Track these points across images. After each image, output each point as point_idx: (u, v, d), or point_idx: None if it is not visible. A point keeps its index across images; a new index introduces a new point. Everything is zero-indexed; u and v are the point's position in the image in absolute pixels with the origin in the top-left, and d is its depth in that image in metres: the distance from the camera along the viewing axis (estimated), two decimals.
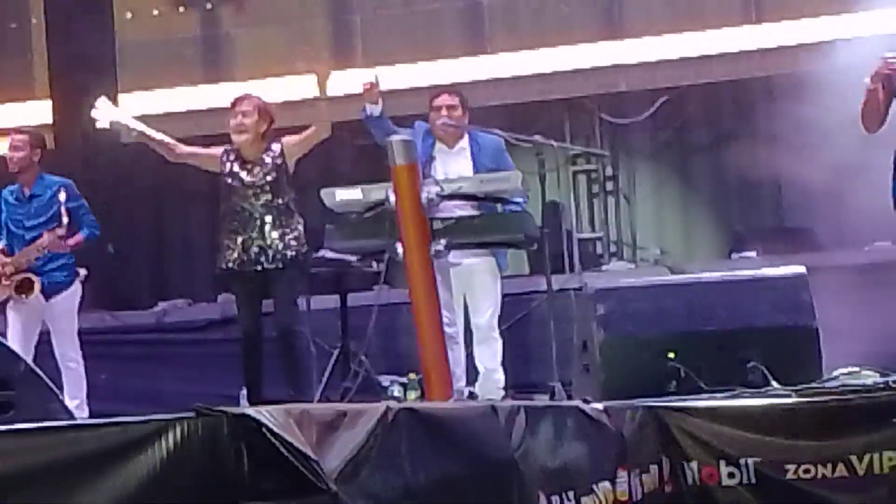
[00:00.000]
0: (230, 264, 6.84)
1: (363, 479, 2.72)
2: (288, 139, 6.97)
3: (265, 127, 6.97)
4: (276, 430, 2.41)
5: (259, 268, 6.78)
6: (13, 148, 7.64)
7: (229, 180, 6.94)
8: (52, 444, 2.48)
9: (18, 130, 7.97)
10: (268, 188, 6.89)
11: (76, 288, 7.64)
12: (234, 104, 7.04)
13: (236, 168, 6.93)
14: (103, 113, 7.12)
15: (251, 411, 2.41)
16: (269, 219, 6.84)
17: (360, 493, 2.69)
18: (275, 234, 6.83)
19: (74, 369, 7.49)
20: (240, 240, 6.83)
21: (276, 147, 6.96)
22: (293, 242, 6.86)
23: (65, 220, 7.37)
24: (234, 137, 6.97)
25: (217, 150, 7.06)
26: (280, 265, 6.79)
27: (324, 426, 2.60)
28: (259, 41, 10.22)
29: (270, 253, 6.80)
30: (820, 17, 9.48)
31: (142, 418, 2.47)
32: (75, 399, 7.29)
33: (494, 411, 3.73)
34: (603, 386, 5.82)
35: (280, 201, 6.87)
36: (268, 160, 6.93)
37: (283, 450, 2.43)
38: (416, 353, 6.26)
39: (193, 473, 2.40)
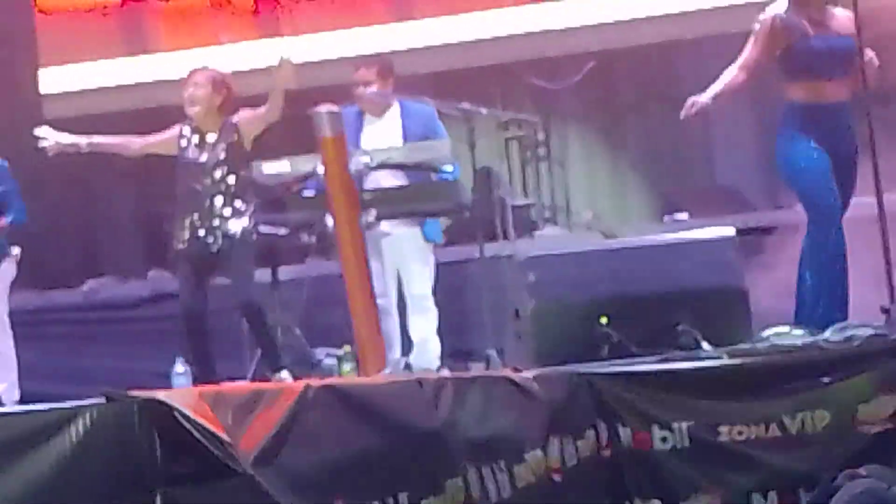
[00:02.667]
0: (184, 245, 6.72)
1: (281, 459, 2.68)
2: (243, 114, 6.84)
3: (220, 100, 6.82)
4: (188, 413, 2.35)
5: (214, 248, 6.68)
6: None
7: (184, 159, 6.79)
8: None
9: None
10: (221, 165, 6.76)
11: (5, 268, 7.52)
12: (188, 77, 6.87)
13: (192, 146, 6.79)
14: (50, 142, 7.00)
15: (162, 395, 2.36)
16: (220, 198, 6.72)
17: (278, 473, 2.65)
18: (227, 213, 6.73)
19: (4, 353, 7.38)
20: (192, 220, 6.71)
21: (232, 122, 6.83)
22: (246, 220, 6.76)
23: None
24: (187, 109, 6.83)
25: (174, 130, 6.89)
26: (233, 244, 6.69)
27: (239, 408, 2.55)
28: (183, 12, 10.08)
29: (220, 232, 6.70)
30: None
31: (50, 406, 2.41)
32: (4, 382, 7.18)
33: (420, 384, 3.70)
34: (535, 353, 5.80)
35: (232, 179, 6.75)
36: (222, 138, 6.80)
37: (195, 433, 2.38)
38: (350, 324, 6.23)
39: (106, 459, 2.36)
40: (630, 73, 10.04)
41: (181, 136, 6.85)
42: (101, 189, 10.48)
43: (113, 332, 8.84)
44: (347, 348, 7.24)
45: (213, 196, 6.73)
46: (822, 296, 6.17)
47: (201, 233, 6.70)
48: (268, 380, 6.77)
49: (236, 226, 6.73)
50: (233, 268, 6.75)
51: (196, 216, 6.72)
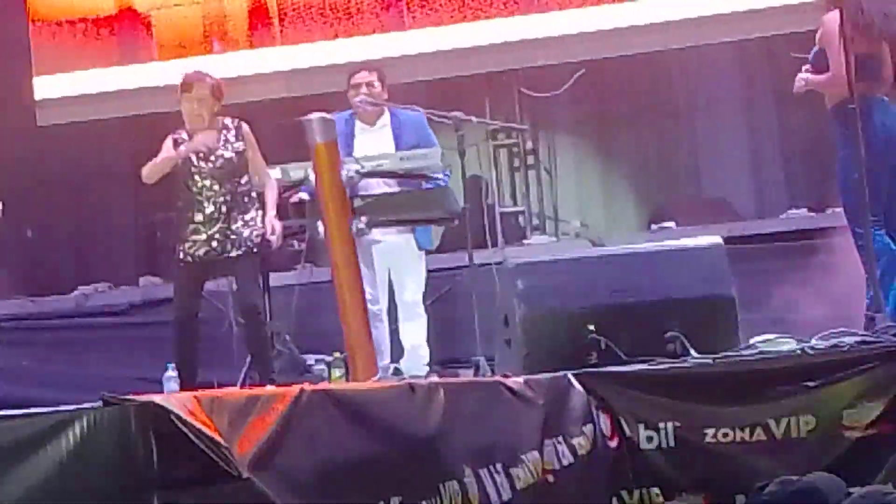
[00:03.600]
0: (193, 249, 6.73)
1: (277, 464, 2.72)
2: (249, 130, 6.85)
3: (218, 106, 6.83)
4: (184, 417, 2.40)
5: (225, 255, 6.69)
6: None
7: (186, 169, 6.76)
8: None
9: None
10: (229, 171, 6.76)
11: None
12: (186, 87, 6.81)
13: (192, 156, 6.76)
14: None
15: (159, 399, 2.40)
16: (230, 205, 6.73)
17: (275, 478, 2.69)
18: (243, 218, 6.75)
19: None
20: (205, 225, 6.72)
21: (232, 128, 6.81)
22: (255, 227, 6.78)
23: None
24: (191, 125, 6.79)
25: (168, 144, 6.82)
26: (244, 251, 6.72)
27: (235, 412, 2.59)
28: (176, 21, 10.12)
29: (234, 240, 6.72)
30: None
31: (48, 409, 2.45)
32: None
33: (412, 390, 3.75)
34: (524, 360, 5.84)
35: (240, 186, 6.77)
36: (226, 143, 6.80)
37: (192, 437, 2.43)
38: (341, 331, 6.27)
39: (103, 463, 2.39)
40: (619, 82, 10.08)
41: (177, 146, 6.83)
42: (93, 196, 10.51)
43: (104, 339, 8.87)
44: (338, 354, 7.30)
45: (226, 202, 6.74)
46: None
47: (217, 237, 6.71)
48: (255, 384, 6.82)
49: (249, 231, 6.76)
50: (241, 272, 6.77)
51: (209, 221, 6.72)
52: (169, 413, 2.37)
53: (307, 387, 3.01)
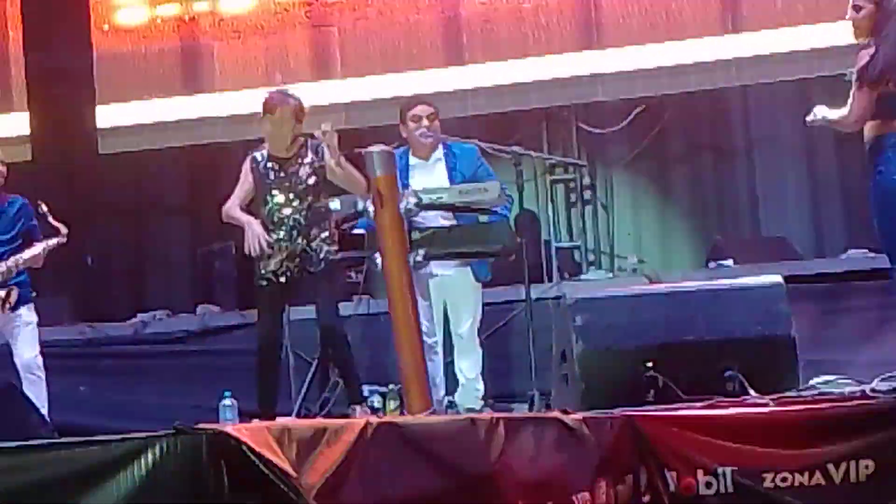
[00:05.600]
0: (276, 274, 6.78)
1: (343, 494, 2.73)
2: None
3: (299, 128, 6.89)
4: (255, 447, 2.42)
5: (312, 269, 6.76)
6: None
7: (266, 187, 6.86)
8: (32, 463, 2.48)
9: None
10: (309, 191, 6.84)
11: (30, 313, 7.69)
12: (269, 109, 6.89)
13: (274, 173, 6.87)
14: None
15: (230, 429, 2.42)
16: (311, 222, 6.81)
17: None
18: (320, 238, 6.82)
19: (36, 381, 7.50)
20: (282, 246, 6.78)
21: (312, 147, 6.89)
22: (332, 243, 6.84)
23: (63, 231, 7.41)
24: (272, 147, 6.88)
25: (246, 167, 6.93)
26: (322, 268, 6.76)
27: (303, 443, 2.61)
28: (237, 52, 10.22)
29: (313, 257, 6.78)
30: (799, 27, 9.52)
31: (121, 437, 2.47)
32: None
33: (474, 424, 3.75)
34: (581, 396, 5.83)
35: (320, 203, 6.84)
36: (306, 162, 6.88)
37: (262, 468, 2.44)
38: (396, 363, 6.27)
39: (174, 491, 2.41)
40: (678, 119, 10.07)
41: (257, 165, 6.90)
42: (152, 224, 10.61)
43: (161, 366, 8.92)
44: (392, 386, 7.30)
45: (307, 220, 6.80)
46: None
47: (296, 255, 6.77)
48: (310, 415, 6.84)
49: (327, 248, 6.83)
50: (322, 292, 6.82)
51: (287, 239, 6.78)
52: (240, 443, 2.38)
53: (373, 419, 3.01)
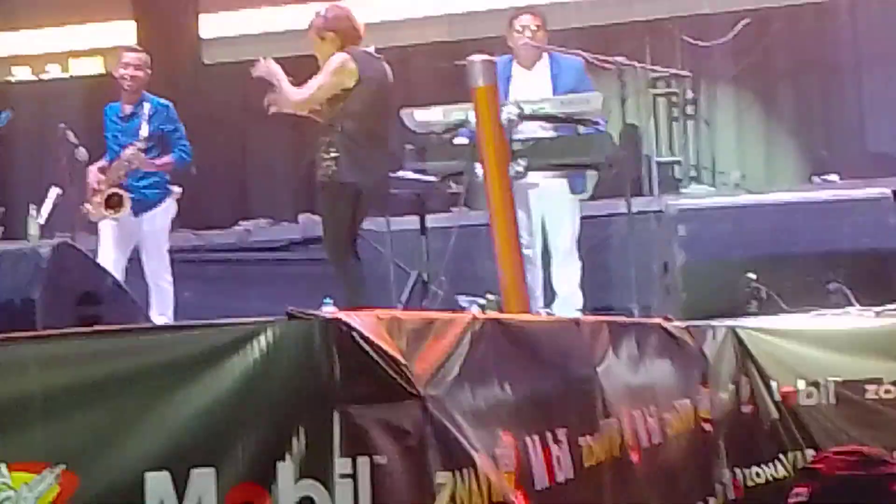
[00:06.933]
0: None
1: (451, 387, 2.76)
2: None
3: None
4: (367, 335, 2.44)
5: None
6: (132, 66, 7.67)
7: None
8: (146, 346, 2.52)
9: (131, 49, 8.02)
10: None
11: (168, 205, 7.66)
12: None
13: None
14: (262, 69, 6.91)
15: (343, 316, 2.45)
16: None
17: (449, 401, 2.72)
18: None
19: (164, 288, 7.55)
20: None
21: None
22: None
23: (142, 133, 7.44)
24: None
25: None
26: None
27: (413, 333, 2.62)
28: None
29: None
30: None
31: (236, 321, 2.51)
32: (162, 316, 7.37)
33: (578, 326, 3.76)
34: (684, 307, 5.81)
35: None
36: None
37: (374, 355, 2.46)
38: (495, 274, 6.29)
39: (287, 376, 2.44)
40: (784, 32, 9.89)
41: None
42: (255, 134, 10.68)
43: (264, 273, 9.03)
44: (491, 297, 7.32)
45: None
46: None
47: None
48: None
49: None
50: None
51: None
52: (353, 330, 2.41)
53: (480, 315, 3.03)
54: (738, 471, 5.26)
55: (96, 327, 2.58)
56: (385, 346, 2.46)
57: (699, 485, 4.73)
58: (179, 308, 7.70)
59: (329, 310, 6.63)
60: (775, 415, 5.29)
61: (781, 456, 5.28)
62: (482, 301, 7.70)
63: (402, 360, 2.50)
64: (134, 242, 7.56)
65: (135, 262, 7.56)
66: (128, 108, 7.64)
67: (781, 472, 5.26)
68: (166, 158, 7.60)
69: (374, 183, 6.71)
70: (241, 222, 9.67)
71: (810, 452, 5.24)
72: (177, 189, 7.71)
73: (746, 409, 5.35)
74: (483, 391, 2.93)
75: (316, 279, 7.93)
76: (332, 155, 6.52)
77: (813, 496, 2.58)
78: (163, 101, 7.70)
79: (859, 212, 5.99)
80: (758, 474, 5.28)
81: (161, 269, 7.53)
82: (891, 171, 8.88)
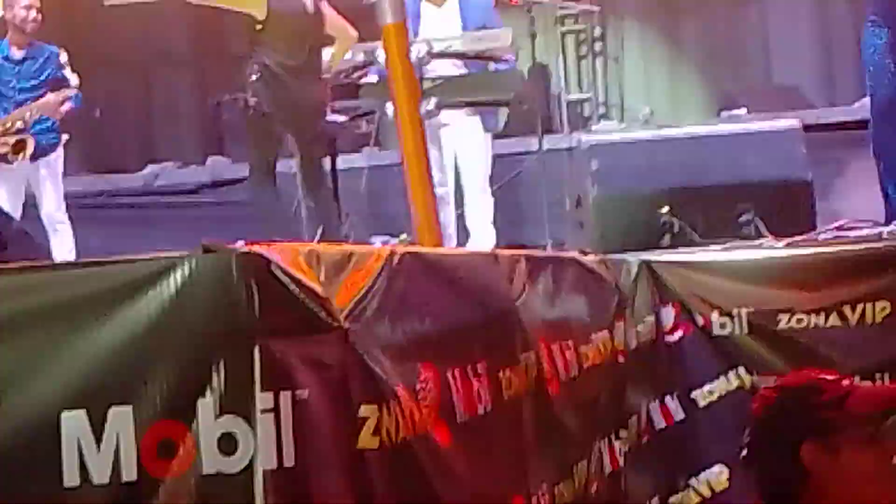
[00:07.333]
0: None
1: (371, 320, 2.71)
2: None
3: None
4: (285, 267, 2.39)
5: None
6: (34, 9, 7.52)
7: None
8: (58, 282, 2.45)
9: None
10: None
11: (60, 151, 7.64)
12: None
13: None
14: None
15: (260, 249, 2.39)
16: None
17: (369, 334, 2.68)
18: None
19: (63, 231, 7.50)
20: None
21: None
22: None
23: (72, 83, 7.35)
24: None
25: None
26: None
27: (332, 266, 2.57)
28: None
29: None
30: None
31: (149, 256, 2.44)
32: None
33: (497, 260, 3.73)
34: (597, 241, 5.83)
35: None
36: None
37: (293, 287, 2.41)
38: (408, 214, 6.25)
39: (204, 311, 2.38)
40: None
41: None
42: (160, 76, 10.51)
43: (173, 217, 8.92)
44: (404, 237, 7.29)
45: None
46: None
47: None
48: None
49: None
50: None
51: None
52: (271, 262, 2.35)
53: (398, 248, 2.99)
54: (670, 397, 5.31)
55: (3, 266, 2.48)
56: (304, 279, 2.41)
57: (613, 416, 4.76)
58: (87, 254, 7.56)
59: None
60: (705, 338, 5.36)
61: (729, 371, 5.35)
62: (395, 241, 7.67)
63: (322, 293, 2.45)
64: (25, 188, 7.51)
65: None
66: (17, 52, 7.50)
67: (735, 384, 5.33)
68: (68, 105, 7.50)
69: (293, 116, 6.71)
70: (148, 165, 9.53)
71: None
72: (65, 136, 7.65)
73: (672, 337, 5.39)
74: (403, 324, 2.89)
75: (226, 221, 7.86)
76: (254, 84, 6.53)
77: (776, 401, 2.59)
78: (54, 47, 7.59)
79: (768, 144, 6.03)
80: (710, 391, 5.34)
81: (59, 213, 7.49)
82: (796, 103, 8.97)
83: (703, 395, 5.33)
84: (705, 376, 5.34)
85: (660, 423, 5.30)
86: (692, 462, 5.33)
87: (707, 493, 5.33)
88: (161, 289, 2.42)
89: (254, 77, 6.59)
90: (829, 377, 2.45)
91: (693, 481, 5.32)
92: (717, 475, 5.32)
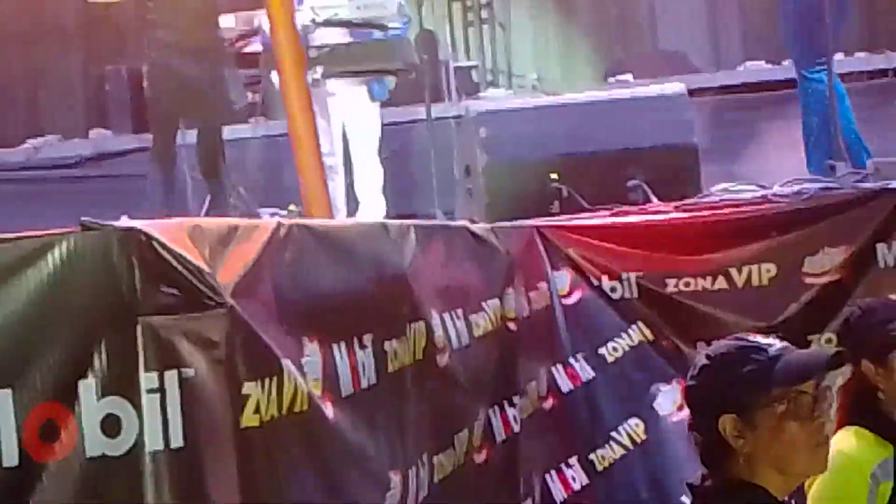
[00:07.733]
0: None
1: (258, 293, 2.68)
2: None
3: None
4: (167, 243, 2.34)
5: None
6: None
7: None
8: None
9: None
10: None
11: None
12: None
13: None
14: None
15: (141, 225, 2.33)
16: None
17: (255, 307, 2.64)
18: None
19: None
20: None
21: None
22: None
23: None
24: None
25: None
26: None
27: (216, 241, 2.53)
28: None
29: None
30: None
31: (27, 234, 2.37)
32: None
33: (385, 229, 3.71)
34: (487, 209, 5.82)
35: None
36: None
37: (175, 264, 2.36)
38: (296, 185, 6.19)
39: (84, 290, 2.32)
40: None
41: None
42: (40, 47, 10.27)
43: (56, 192, 8.74)
44: (293, 208, 7.22)
45: None
46: None
47: None
48: None
49: None
50: None
51: None
52: (152, 239, 2.30)
53: (285, 220, 2.95)
54: (574, 359, 5.35)
55: None
56: (187, 255, 2.36)
57: (504, 383, 4.77)
58: None
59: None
60: (604, 298, 5.39)
61: (630, 327, 5.39)
62: (284, 213, 7.60)
63: (206, 269, 2.41)
64: None
65: None
66: None
67: (637, 339, 5.38)
68: None
69: (186, 91, 6.64)
70: (28, 140, 9.33)
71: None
72: None
73: (570, 300, 5.42)
74: (290, 298, 2.86)
75: (111, 195, 7.72)
76: (150, 72, 6.49)
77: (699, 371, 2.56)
78: None
79: (655, 109, 6.06)
80: (615, 348, 5.38)
81: None
82: (681, 68, 9.05)
83: (610, 352, 5.38)
84: (610, 333, 5.38)
85: (566, 385, 5.34)
86: (608, 417, 5.38)
87: (629, 444, 5.39)
88: (39, 268, 2.35)
89: (147, 67, 6.53)
90: (761, 340, 2.44)
91: (614, 434, 5.37)
92: (635, 427, 5.38)
